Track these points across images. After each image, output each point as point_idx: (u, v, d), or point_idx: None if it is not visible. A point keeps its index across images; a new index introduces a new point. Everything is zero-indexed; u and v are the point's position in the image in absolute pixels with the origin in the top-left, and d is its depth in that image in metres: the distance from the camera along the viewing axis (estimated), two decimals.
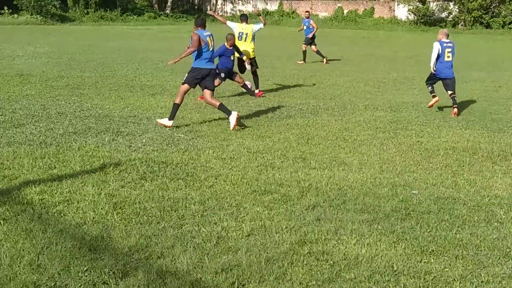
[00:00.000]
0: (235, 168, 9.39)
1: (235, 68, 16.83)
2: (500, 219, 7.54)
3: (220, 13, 64.34)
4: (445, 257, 6.31)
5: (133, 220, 7.04)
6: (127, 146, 10.57)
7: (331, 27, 57.08)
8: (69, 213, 7.20)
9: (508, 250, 6.55)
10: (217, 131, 12.06)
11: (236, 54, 16.47)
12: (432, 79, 15.41)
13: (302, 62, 26.47)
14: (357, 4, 61.97)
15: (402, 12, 58.24)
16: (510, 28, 52.29)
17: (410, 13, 56.52)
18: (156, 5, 64.23)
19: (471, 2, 52.48)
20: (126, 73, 20.50)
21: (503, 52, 35.69)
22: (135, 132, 11.72)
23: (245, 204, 7.74)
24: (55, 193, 7.84)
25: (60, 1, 54.93)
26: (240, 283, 5.63)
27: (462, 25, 54.36)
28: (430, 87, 15.37)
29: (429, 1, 57.13)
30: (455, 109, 14.82)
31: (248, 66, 17.29)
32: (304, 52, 26.74)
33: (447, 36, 15.37)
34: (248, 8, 65.33)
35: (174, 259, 6.04)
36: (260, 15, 19.20)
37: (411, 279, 5.82)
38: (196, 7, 68.31)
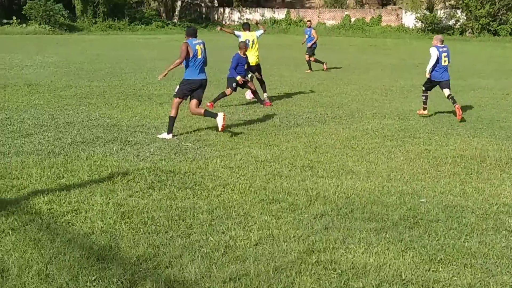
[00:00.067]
0: (242, 177, 9.39)
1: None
2: (509, 227, 7.50)
3: (228, 22, 64.51)
4: (453, 265, 6.29)
5: (141, 229, 7.05)
6: (135, 155, 10.59)
7: (338, 35, 57.19)
8: (77, 222, 7.21)
9: None
10: (225, 140, 12.07)
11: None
12: (427, 86, 15.60)
13: (309, 71, 26.50)
14: (364, 12, 62.05)
15: (409, 20, 58.27)
16: None
17: (418, 20, 56.55)
18: (164, 14, 64.44)
19: (479, 10, 52.47)
20: (134, 83, 20.56)
21: (511, 59, 35.61)
22: (143, 141, 11.74)
23: (253, 213, 7.73)
24: (64, 203, 7.86)
25: (68, 11, 55.20)
26: None
27: (469, 32, 54.34)
28: (424, 97, 15.60)
29: (437, 9, 57.15)
30: (457, 107, 14.97)
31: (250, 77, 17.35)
32: (308, 62, 26.77)
33: (442, 41, 15.56)
34: (255, 17, 65.51)
35: (182, 268, 6.04)
36: (259, 23, 19.34)
37: None
38: (203, 15, 68.52)
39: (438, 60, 15.19)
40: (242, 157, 10.67)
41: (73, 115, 14.17)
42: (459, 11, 55.67)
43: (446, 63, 15.31)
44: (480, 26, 53.27)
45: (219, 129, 12.34)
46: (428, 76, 15.45)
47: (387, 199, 8.46)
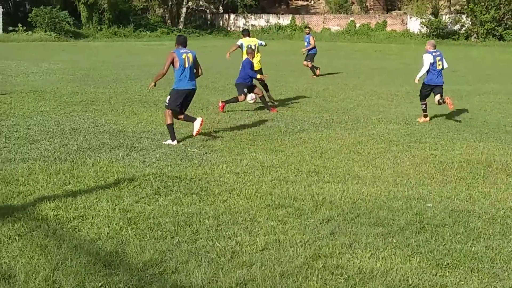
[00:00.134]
0: (249, 183, 9.39)
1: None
2: None
3: (233, 28, 64.62)
4: (460, 270, 6.28)
5: (148, 235, 7.05)
6: (141, 161, 10.61)
7: (343, 40, 57.20)
8: (83, 228, 7.22)
9: None
10: (231, 146, 12.08)
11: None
12: (425, 93, 15.68)
13: (315, 76, 26.51)
14: (369, 17, 62.06)
15: (414, 25, 58.25)
16: None
17: (423, 26, 56.52)
18: (169, 21, 64.54)
19: (484, 15, 52.43)
20: (139, 89, 20.58)
21: None
22: (149, 147, 11.76)
23: (259, 218, 7.73)
24: (70, 209, 7.87)
25: (73, 18, 55.36)
26: None
27: (475, 37, 54.28)
28: (424, 106, 15.68)
29: (442, 14, 57.12)
30: (447, 100, 15.14)
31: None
32: (311, 68, 26.78)
33: (435, 46, 15.75)
34: (260, 23, 65.63)
35: (189, 274, 6.03)
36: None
37: None
38: (208, 22, 68.59)
39: (433, 64, 15.31)
40: (248, 163, 10.67)
41: (79, 122, 14.20)
42: (464, 16, 55.62)
43: (441, 67, 15.44)
44: (485, 31, 53.21)
45: (194, 133, 12.42)
46: (417, 82, 15.72)
47: (394, 204, 8.45)
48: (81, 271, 5.99)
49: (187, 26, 63.91)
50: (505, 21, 53.90)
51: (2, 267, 6.06)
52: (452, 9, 59.22)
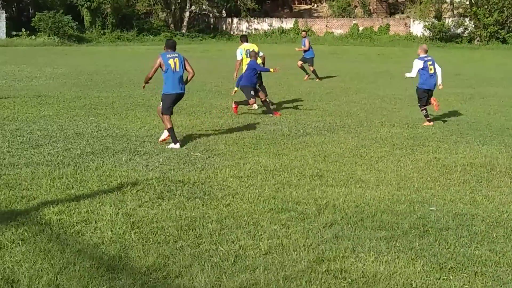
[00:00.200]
0: (252, 187, 9.39)
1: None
2: None
3: (236, 32, 64.67)
4: (464, 274, 6.27)
5: (151, 239, 7.06)
6: (144, 165, 10.61)
7: (346, 44, 57.21)
8: (87, 233, 7.23)
9: None
10: (234, 150, 12.08)
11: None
12: (422, 98, 15.75)
13: (318, 80, 26.53)
14: (372, 21, 62.06)
15: (417, 29, 58.23)
16: None
17: (426, 29, 56.50)
18: (172, 25, 64.61)
19: (487, 18, 52.38)
20: (142, 93, 20.53)
21: None
22: (152, 151, 11.77)
23: (262, 222, 7.73)
24: (73, 213, 7.87)
25: (77, 23, 55.44)
26: None
27: (478, 40, 54.24)
28: (424, 111, 15.78)
29: (445, 17, 57.10)
30: (433, 101, 15.56)
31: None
32: (314, 71, 26.82)
33: (426, 51, 15.91)
34: (263, 27, 65.65)
35: (192, 278, 6.03)
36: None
37: None
38: (211, 26, 68.65)
39: (423, 69, 15.53)
40: (251, 167, 10.67)
41: (82, 126, 14.21)
42: (467, 20, 55.59)
43: (433, 71, 15.64)
44: (488, 34, 53.15)
45: (159, 140, 12.52)
46: (404, 77, 16.39)
47: (397, 207, 8.44)
48: (85, 275, 5.99)
49: (190, 30, 63.98)
50: (509, 24, 53.84)
51: (5, 272, 6.06)
52: (455, 12, 59.17)
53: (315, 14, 69.33)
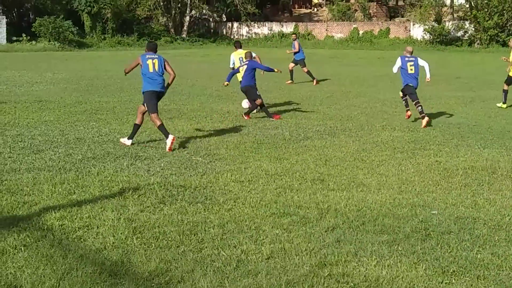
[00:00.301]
0: (253, 191, 9.39)
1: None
2: None
3: (236, 37, 64.68)
4: (466, 277, 6.26)
5: (153, 244, 7.06)
6: (146, 170, 10.62)
7: (347, 48, 57.23)
8: (89, 238, 7.23)
9: None
10: (235, 154, 12.08)
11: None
12: (405, 90, 16.76)
13: (315, 81, 26.56)
14: (372, 25, 62.07)
15: (417, 32, 58.23)
16: None
17: (426, 32, 56.49)
18: (172, 30, 64.63)
19: (487, 21, 52.39)
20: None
21: None
22: (154, 156, 11.77)
23: (264, 226, 7.73)
24: (75, 219, 7.88)
25: (77, 28, 55.47)
26: None
27: (478, 43, 54.25)
28: (404, 102, 16.86)
29: (445, 21, 57.11)
30: (425, 119, 15.85)
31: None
32: (308, 72, 26.87)
33: (411, 52, 17.01)
34: (264, 31, 65.66)
35: (194, 283, 6.03)
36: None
37: None
38: (212, 30, 68.69)
39: (403, 68, 16.53)
40: (252, 171, 10.68)
41: (83, 131, 14.22)
42: (467, 23, 55.57)
43: (413, 71, 16.49)
44: (488, 37, 53.13)
45: (167, 149, 12.32)
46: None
47: (399, 211, 8.45)
48: (87, 281, 5.99)
49: (190, 34, 64.01)
50: (509, 27, 53.80)
51: (8, 278, 6.06)
52: (455, 15, 59.17)
53: (315, 18, 69.33)
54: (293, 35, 30.25)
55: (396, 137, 14.21)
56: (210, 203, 8.70)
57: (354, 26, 62.24)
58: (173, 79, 13.08)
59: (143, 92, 12.86)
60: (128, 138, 12.80)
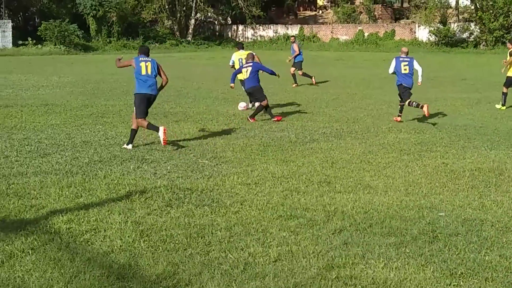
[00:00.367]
0: (260, 194, 9.39)
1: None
2: None
3: (241, 39, 64.69)
4: (474, 279, 6.25)
5: (160, 247, 7.06)
6: (152, 173, 10.62)
7: (352, 50, 57.21)
8: (96, 241, 7.24)
9: None
10: (241, 157, 12.08)
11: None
12: (401, 94, 17.00)
13: (313, 80, 26.52)
14: (377, 27, 62.03)
15: (423, 34, 58.17)
16: None
17: (431, 34, 56.42)
18: (177, 33, 64.69)
19: (492, 22, 52.31)
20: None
21: None
22: (160, 159, 11.78)
23: (271, 229, 7.73)
24: (82, 222, 7.89)
25: (83, 31, 55.60)
26: None
27: (483, 45, 54.16)
28: (415, 104, 16.68)
29: (450, 22, 57.04)
30: (425, 106, 16.09)
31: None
32: (305, 74, 26.82)
33: (406, 53, 17.41)
34: (269, 33, 65.68)
35: (202, 286, 6.03)
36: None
37: None
38: (217, 33, 68.76)
39: (398, 69, 16.86)
40: (259, 174, 10.67)
41: (89, 134, 14.24)
42: (472, 24, 55.50)
43: (407, 71, 16.83)
44: (494, 38, 53.05)
45: (162, 142, 12.72)
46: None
47: (406, 213, 8.43)
48: (95, 284, 6.00)
49: (195, 37, 64.08)
50: None
51: (16, 281, 6.07)
52: (460, 17, 59.09)
53: (320, 20, 69.33)
54: (292, 37, 29.71)
55: (403, 139, 14.20)
56: (217, 206, 8.70)
57: (359, 28, 62.20)
58: (166, 83, 13.31)
59: (134, 94, 13.02)
60: (127, 144, 12.83)
